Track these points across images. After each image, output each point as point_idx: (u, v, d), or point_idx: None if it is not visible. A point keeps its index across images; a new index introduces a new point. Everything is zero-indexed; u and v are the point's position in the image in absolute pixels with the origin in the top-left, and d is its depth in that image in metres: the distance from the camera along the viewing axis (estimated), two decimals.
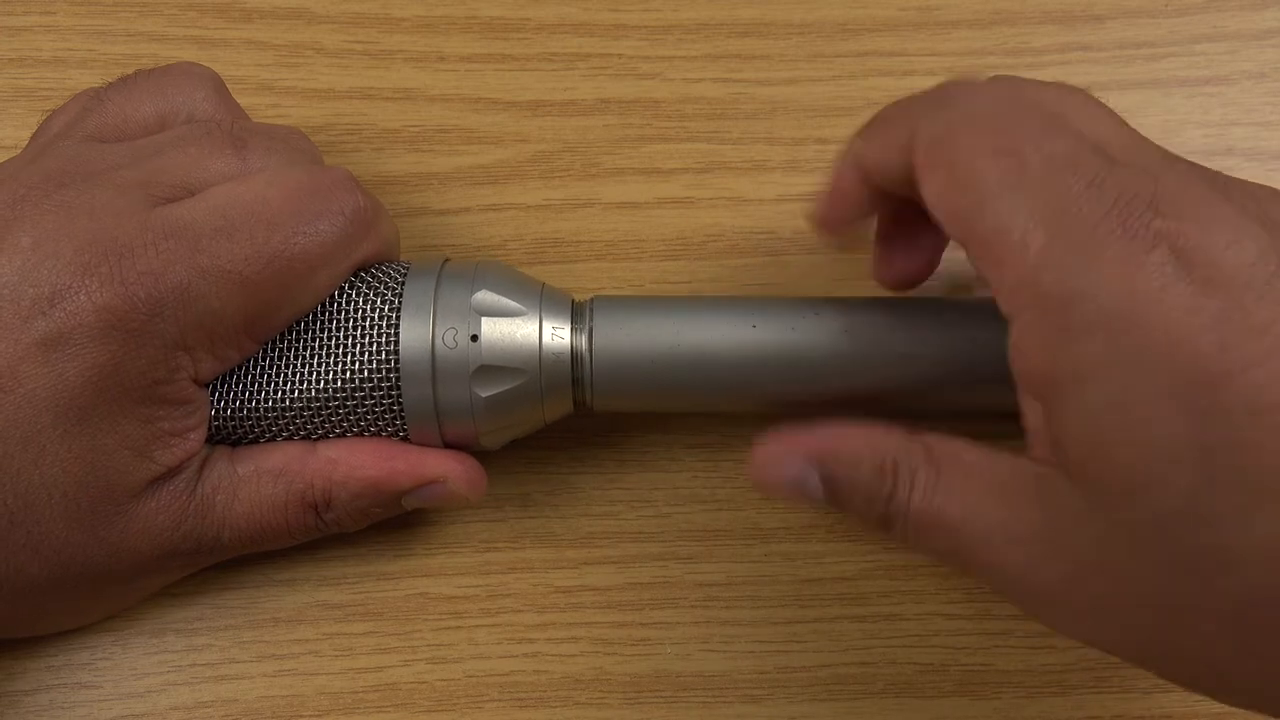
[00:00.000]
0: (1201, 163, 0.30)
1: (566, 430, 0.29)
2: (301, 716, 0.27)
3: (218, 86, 0.28)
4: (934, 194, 0.21)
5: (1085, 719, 0.27)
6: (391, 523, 0.27)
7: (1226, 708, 0.26)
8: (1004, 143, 0.20)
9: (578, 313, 0.25)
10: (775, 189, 0.32)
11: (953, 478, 0.21)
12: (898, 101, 0.24)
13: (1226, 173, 0.32)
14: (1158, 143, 0.33)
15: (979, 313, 0.25)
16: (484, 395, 0.24)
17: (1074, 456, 0.18)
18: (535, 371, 0.24)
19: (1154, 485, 0.17)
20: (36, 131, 0.27)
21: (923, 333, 0.24)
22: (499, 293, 0.25)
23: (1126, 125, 0.22)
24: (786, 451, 0.23)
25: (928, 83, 0.33)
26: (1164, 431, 0.17)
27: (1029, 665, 0.27)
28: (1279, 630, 0.17)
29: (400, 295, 0.24)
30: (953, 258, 0.27)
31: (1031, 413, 0.20)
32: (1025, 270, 0.19)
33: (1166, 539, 0.17)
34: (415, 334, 0.24)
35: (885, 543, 0.28)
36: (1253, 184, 0.20)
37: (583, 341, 0.25)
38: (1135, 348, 0.17)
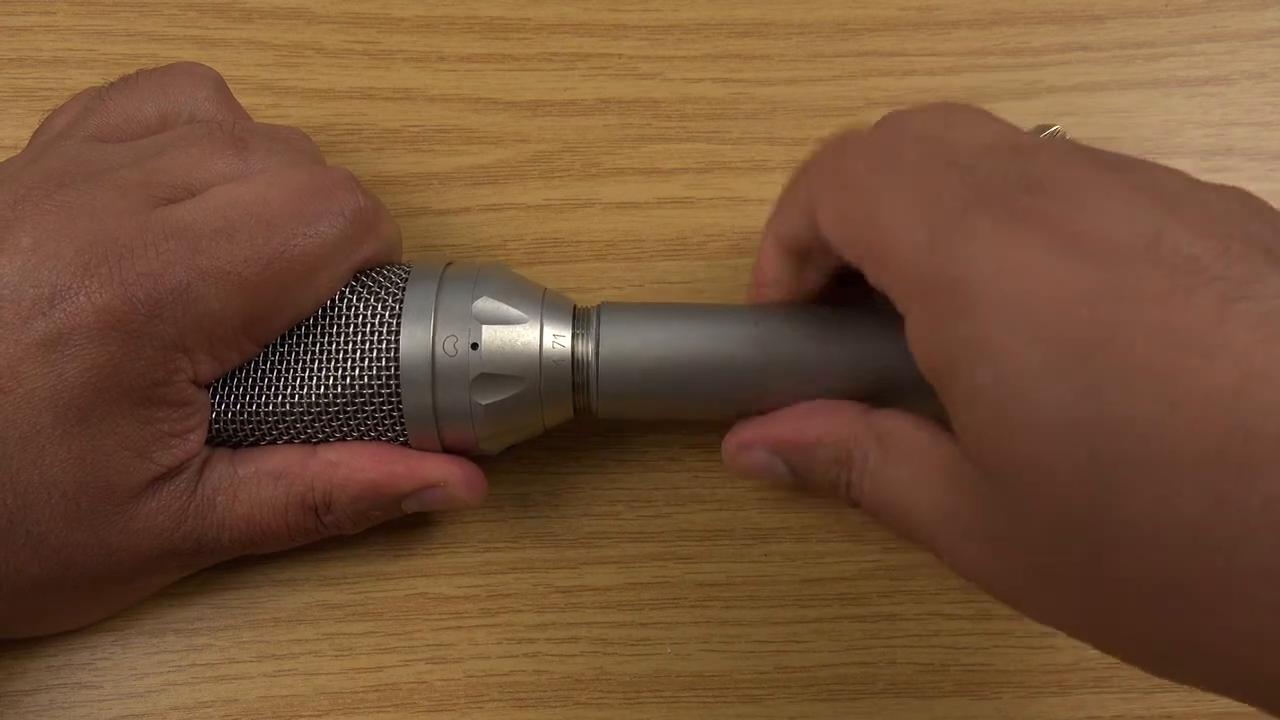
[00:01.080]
0: (1201, 163, 0.31)
1: (567, 431, 0.29)
2: (301, 716, 0.27)
3: (219, 87, 0.27)
4: (829, 220, 0.22)
5: (1085, 719, 0.27)
6: (391, 523, 0.27)
7: (1228, 707, 0.26)
8: (885, 157, 0.21)
9: (582, 319, 0.25)
10: (775, 189, 0.32)
11: (897, 461, 0.21)
12: (795, 170, 0.25)
13: (1226, 173, 0.32)
14: (1158, 143, 0.33)
15: None
16: (484, 403, 0.24)
17: (969, 441, 0.18)
18: (535, 379, 0.24)
19: (1043, 465, 0.17)
20: (37, 131, 0.27)
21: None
22: (500, 299, 0.24)
23: (1012, 126, 0.22)
24: (752, 442, 0.24)
25: (928, 83, 0.33)
26: (1047, 408, 0.17)
27: (1029, 665, 0.27)
28: (1177, 600, 0.16)
29: (401, 301, 0.24)
30: None
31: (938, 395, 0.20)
32: (908, 265, 0.19)
33: (1062, 517, 0.17)
34: (416, 341, 0.24)
35: (885, 542, 0.28)
36: (1158, 165, 0.20)
37: (589, 349, 0.25)
38: (1010, 325, 0.17)
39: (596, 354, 0.24)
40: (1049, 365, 0.17)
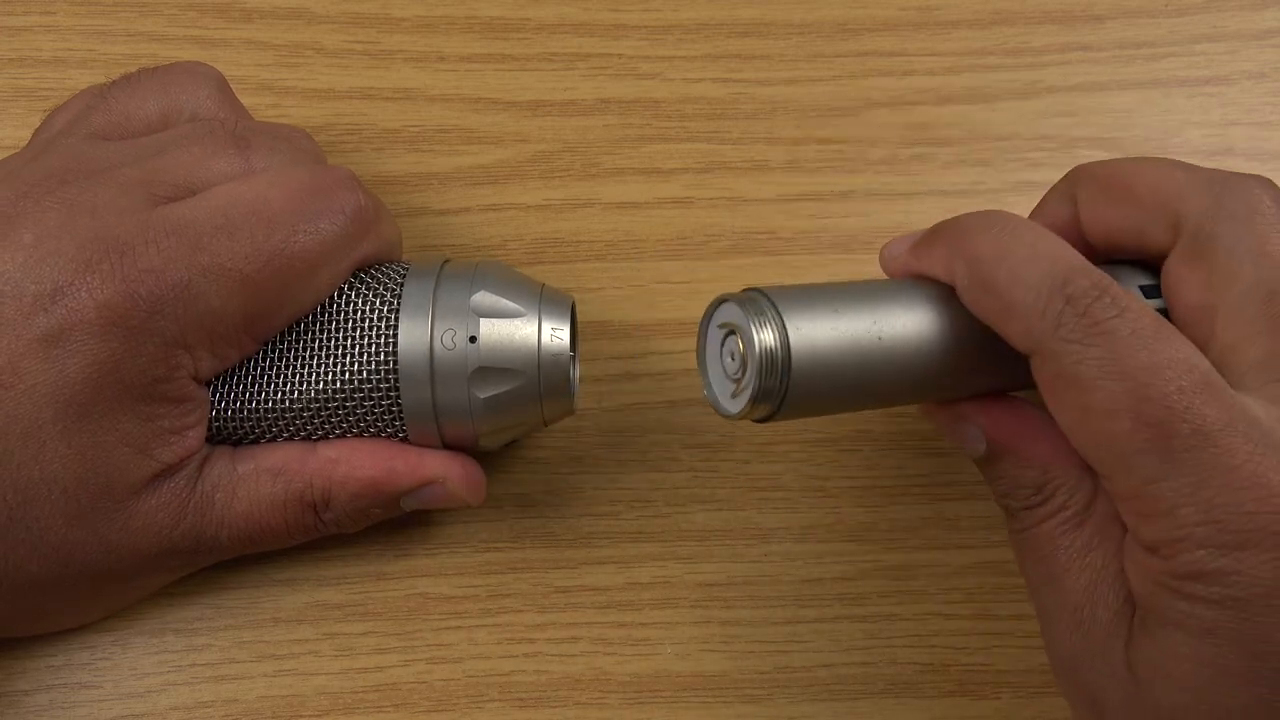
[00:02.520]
0: (1201, 163, 0.30)
1: (567, 431, 0.29)
2: (301, 716, 0.27)
3: (221, 85, 0.28)
4: (1064, 426, 0.20)
5: None
6: (391, 522, 0.27)
7: None
8: (1146, 409, 0.19)
9: (755, 308, 0.21)
10: (775, 189, 0.32)
11: (1085, 537, 0.21)
12: (1008, 261, 0.20)
13: (1226, 173, 0.32)
14: (1158, 143, 0.33)
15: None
16: (482, 396, 0.24)
17: (1138, 662, 0.19)
18: (533, 373, 0.24)
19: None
20: (39, 128, 0.27)
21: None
22: (498, 294, 0.25)
23: None
24: (975, 420, 0.23)
25: (928, 82, 0.33)
26: (1228, 703, 0.18)
27: (1029, 665, 0.27)
28: None
29: (399, 296, 0.24)
30: None
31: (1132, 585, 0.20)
32: (1167, 538, 0.18)
33: None
34: (414, 335, 0.24)
35: (885, 542, 0.28)
36: None
37: (772, 340, 0.20)
38: (1239, 631, 0.18)
39: (786, 346, 0.20)
40: (1254, 675, 0.18)
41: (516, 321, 0.24)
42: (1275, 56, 0.33)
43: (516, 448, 0.27)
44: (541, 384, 0.24)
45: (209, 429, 0.24)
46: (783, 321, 0.20)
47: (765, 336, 0.20)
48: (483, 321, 0.24)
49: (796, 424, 0.29)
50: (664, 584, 0.28)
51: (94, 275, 0.21)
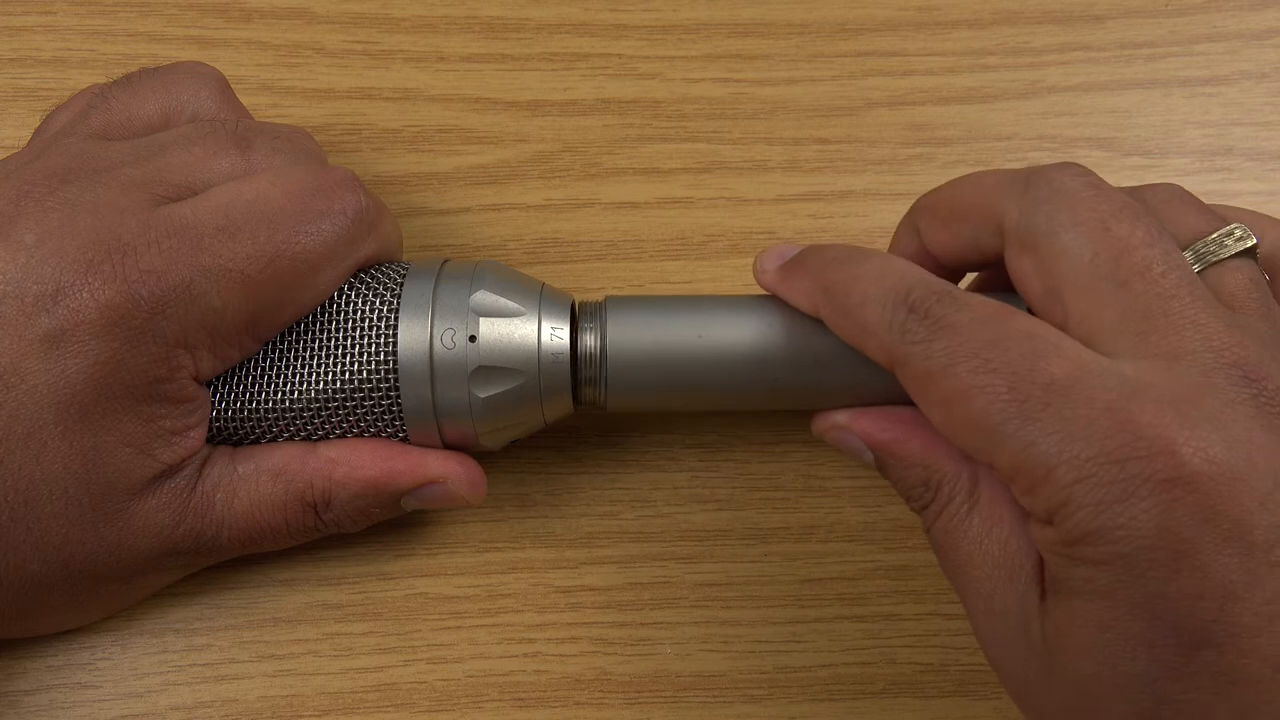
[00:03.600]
0: (1201, 163, 0.30)
1: (567, 430, 0.29)
2: (301, 716, 0.27)
3: (222, 86, 0.28)
4: (937, 422, 0.21)
5: None
6: (391, 522, 0.27)
7: None
8: (995, 383, 0.19)
9: (589, 312, 0.25)
10: (775, 189, 0.32)
11: (977, 523, 0.22)
12: (855, 284, 0.22)
13: (1226, 173, 0.32)
14: (1158, 143, 0.33)
15: None
16: (482, 396, 0.24)
17: (1049, 632, 0.19)
18: (534, 372, 0.24)
19: (1101, 703, 0.19)
20: (40, 127, 0.27)
21: None
22: (498, 293, 0.25)
23: (1124, 202, 0.21)
24: (849, 425, 0.24)
25: (928, 82, 0.33)
26: (1130, 668, 0.18)
27: None
28: None
29: (399, 296, 0.24)
30: None
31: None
32: (1054, 502, 0.19)
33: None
34: (413, 335, 0.24)
35: (885, 542, 0.28)
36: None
37: (596, 342, 0.24)
38: (1136, 592, 0.18)
39: (604, 347, 0.24)
40: (1152, 640, 0.18)
41: (516, 321, 0.24)
42: (1275, 56, 0.34)
43: (517, 447, 0.27)
44: (541, 383, 0.24)
45: (209, 429, 0.24)
46: (605, 321, 0.24)
47: (589, 335, 0.25)
48: (482, 321, 0.24)
49: (797, 424, 0.29)
50: (664, 584, 0.28)
51: (96, 276, 0.21)
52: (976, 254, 0.23)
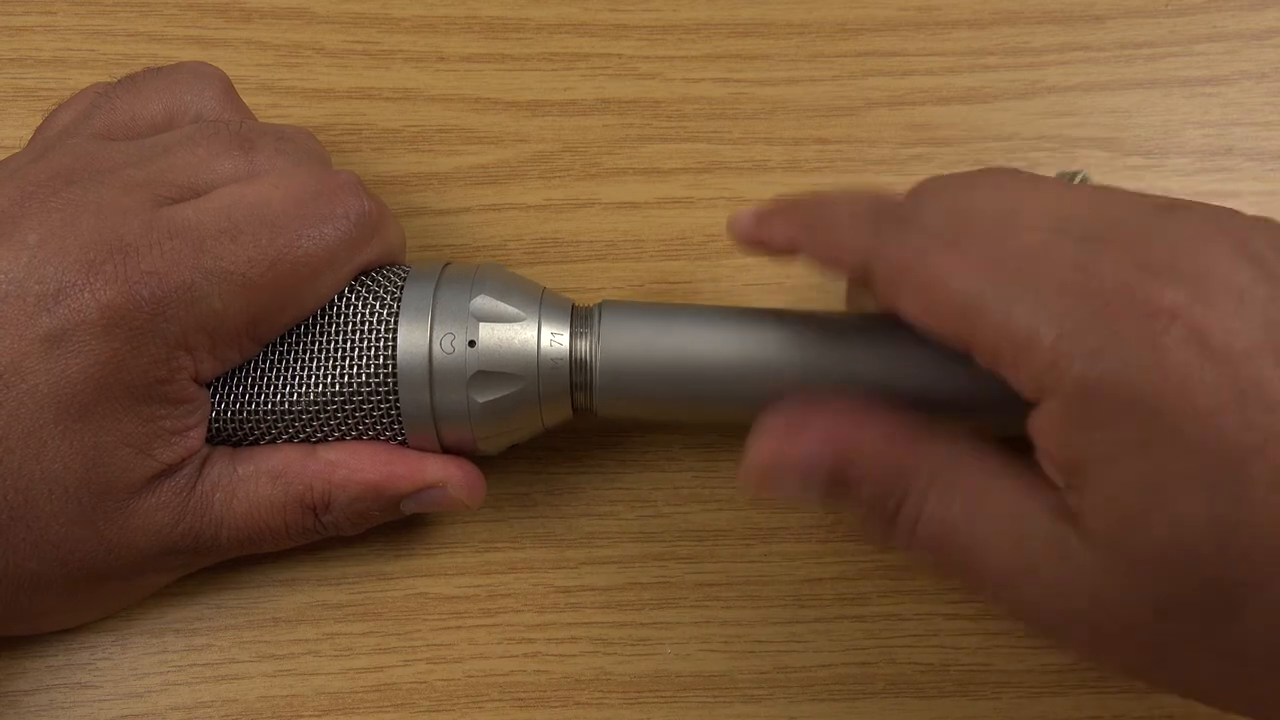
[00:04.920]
0: (1201, 163, 0.30)
1: (567, 431, 0.29)
2: (301, 716, 0.27)
3: (226, 86, 0.28)
4: (915, 315, 0.21)
5: (1085, 719, 0.27)
6: (392, 522, 0.27)
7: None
8: (970, 254, 0.20)
9: (582, 318, 0.25)
10: (775, 189, 0.32)
11: (968, 496, 0.20)
12: (829, 210, 0.23)
13: (1226, 173, 0.32)
14: (1158, 143, 0.33)
15: None
16: (481, 401, 0.24)
17: (1096, 529, 0.19)
18: (533, 377, 0.24)
19: (1175, 562, 0.18)
20: (41, 126, 0.27)
21: (932, 347, 0.23)
22: (498, 298, 0.24)
23: (1074, 191, 0.21)
24: (791, 454, 0.21)
25: (928, 82, 0.33)
26: (1188, 511, 0.17)
27: (1029, 665, 0.27)
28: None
29: (399, 299, 0.24)
30: None
31: (1049, 469, 0.20)
32: (1041, 366, 0.18)
33: (1189, 603, 0.18)
34: (413, 339, 0.24)
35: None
36: (1210, 208, 0.20)
37: (589, 347, 0.24)
38: (1161, 431, 0.17)
39: (597, 353, 0.24)
40: (1198, 473, 0.17)
41: (516, 326, 0.24)
42: (1275, 56, 0.33)
43: (517, 447, 0.27)
44: (540, 389, 0.24)
45: (209, 430, 0.24)
46: (599, 327, 0.24)
47: (581, 340, 0.25)
48: (482, 326, 0.24)
49: None
50: (664, 584, 0.28)
51: (97, 276, 0.21)
52: (856, 278, 0.23)
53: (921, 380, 0.24)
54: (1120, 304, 0.18)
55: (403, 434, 0.25)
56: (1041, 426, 0.19)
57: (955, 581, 0.23)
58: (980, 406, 0.23)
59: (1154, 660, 0.19)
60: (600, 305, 0.25)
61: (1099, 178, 0.32)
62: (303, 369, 0.24)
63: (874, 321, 0.25)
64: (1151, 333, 0.18)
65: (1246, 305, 0.18)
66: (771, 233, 0.24)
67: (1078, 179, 0.26)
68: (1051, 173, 0.26)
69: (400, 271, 0.25)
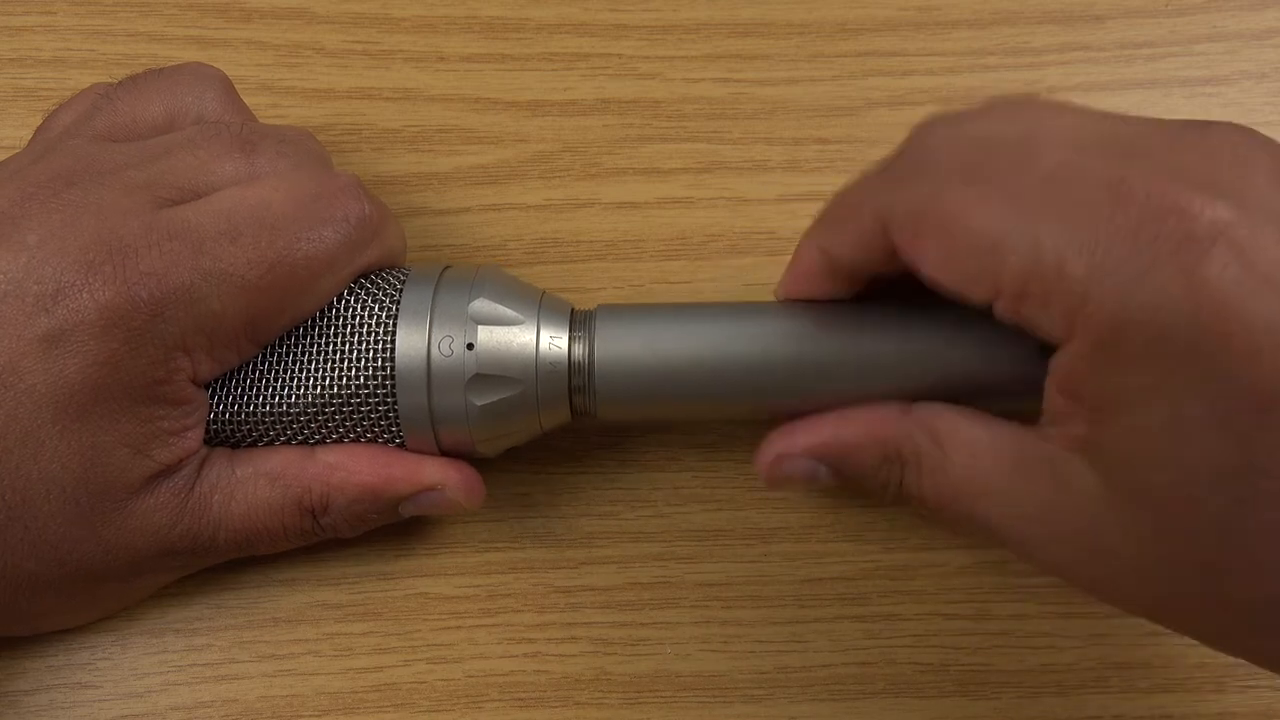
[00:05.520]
0: None
1: (567, 431, 0.29)
2: (301, 716, 0.27)
3: (227, 88, 0.28)
4: (937, 266, 0.20)
5: (1085, 719, 0.27)
6: (391, 523, 0.27)
7: (1228, 708, 0.26)
8: (988, 187, 0.19)
9: (579, 321, 0.25)
10: (775, 189, 0.32)
11: (958, 455, 0.21)
12: (849, 189, 0.23)
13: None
14: None
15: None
16: (479, 404, 0.24)
17: (1114, 464, 0.18)
18: (531, 381, 0.24)
19: (1195, 501, 0.17)
20: (41, 126, 0.27)
21: (926, 338, 0.24)
22: (497, 301, 0.24)
23: (1095, 111, 0.20)
24: (789, 451, 0.23)
25: (928, 82, 0.33)
26: (1213, 453, 0.17)
27: (1029, 665, 0.27)
28: None
29: (398, 302, 0.24)
30: None
31: (1060, 406, 0.19)
32: (1073, 301, 0.17)
33: (1202, 546, 0.17)
34: (411, 341, 0.24)
35: (885, 542, 0.28)
36: (1244, 128, 0.19)
37: (585, 351, 0.24)
38: (1192, 374, 0.17)
39: (593, 356, 0.24)
40: (1224, 417, 0.17)
41: (515, 329, 0.24)
42: (1275, 56, 0.33)
43: (516, 449, 0.27)
44: (539, 392, 0.24)
45: (207, 431, 0.24)
46: (594, 330, 0.24)
47: (578, 344, 0.25)
48: (480, 329, 0.24)
49: None
50: (664, 584, 0.28)
51: (96, 277, 0.21)
52: (878, 252, 0.22)
53: (916, 368, 0.24)
54: (1157, 224, 0.17)
55: (401, 436, 0.25)
56: (1066, 365, 0.18)
57: (977, 540, 0.22)
58: (975, 393, 0.23)
59: (1162, 600, 0.19)
60: (596, 309, 0.25)
61: None
62: (301, 371, 0.24)
63: (868, 311, 0.24)
64: (1192, 259, 0.16)
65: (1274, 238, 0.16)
66: (803, 259, 0.24)
67: None
68: None
69: (399, 274, 0.25)
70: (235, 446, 0.25)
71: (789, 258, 0.30)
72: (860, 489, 0.23)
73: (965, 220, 0.19)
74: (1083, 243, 0.17)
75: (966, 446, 0.21)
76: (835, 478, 0.23)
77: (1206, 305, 0.16)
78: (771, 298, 0.26)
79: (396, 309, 0.24)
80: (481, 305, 0.24)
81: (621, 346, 0.24)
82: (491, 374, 0.24)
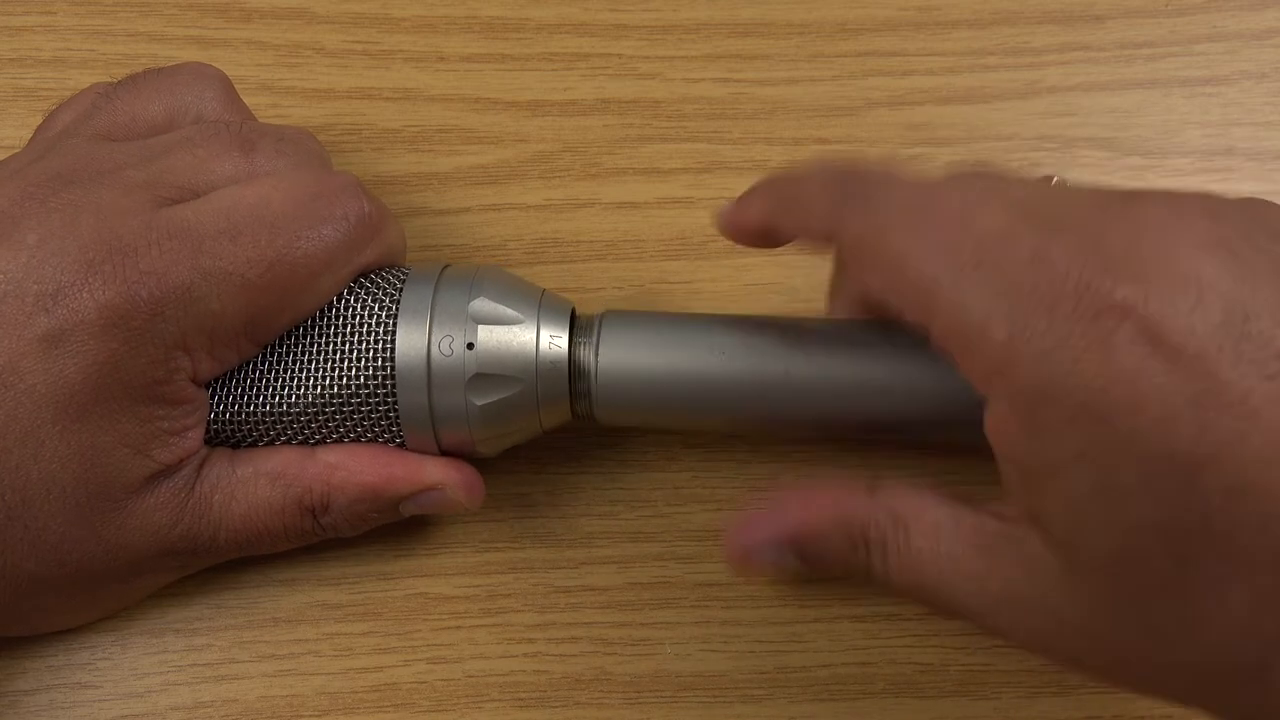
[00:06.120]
0: (1201, 163, 0.30)
1: (567, 431, 0.29)
2: (301, 716, 0.27)
3: (226, 87, 0.28)
4: (878, 290, 0.21)
5: (1085, 719, 0.27)
6: (391, 523, 0.27)
7: None
8: (931, 235, 0.19)
9: (584, 326, 0.25)
10: None
11: (922, 541, 0.21)
12: (808, 177, 0.23)
13: (1226, 173, 0.32)
14: (1158, 143, 0.33)
15: None
16: (479, 403, 0.24)
17: (1055, 533, 0.19)
18: (531, 380, 0.24)
19: (1133, 564, 0.18)
20: (41, 125, 0.27)
21: (932, 359, 0.23)
22: (497, 300, 0.24)
23: (1041, 184, 0.21)
24: (756, 541, 0.23)
25: (928, 82, 0.33)
26: (1143, 517, 0.17)
27: (1029, 665, 0.27)
28: (1248, 683, 0.18)
29: (398, 301, 0.24)
30: None
31: (1007, 477, 0.20)
32: (993, 362, 0.18)
33: (1146, 610, 0.18)
34: (411, 341, 0.24)
35: None
36: (1181, 195, 0.19)
37: (590, 356, 0.24)
38: (1111, 439, 0.17)
39: (597, 362, 0.24)
40: (1150, 480, 0.17)
41: (515, 328, 0.24)
42: (1275, 56, 0.33)
43: (516, 449, 0.27)
44: (539, 392, 0.24)
45: (208, 431, 0.24)
46: (599, 337, 0.24)
47: (581, 349, 0.25)
48: (480, 328, 0.24)
49: None
50: (664, 584, 0.28)
51: (96, 276, 0.21)
52: (818, 245, 0.23)
53: (917, 389, 0.24)
54: (1071, 302, 0.17)
55: (401, 436, 0.25)
56: (995, 427, 0.19)
57: (950, 618, 0.23)
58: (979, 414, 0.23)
59: (1117, 664, 0.19)
60: (602, 315, 0.25)
61: (1099, 178, 0.32)
62: (301, 370, 0.24)
63: (871, 329, 0.24)
64: (1101, 333, 0.17)
65: (1205, 301, 0.17)
66: (748, 213, 0.24)
67: (1054, 182, 0.26)
68: (1052, 173, 0.26)
69: (399, 273, 0.25)
70: (235, 446, 0.25)
71: (789, 258, 0.30)
72: (831, 575, 0.23)
73: (904, 262, 0.20)
74: (1005, 309, 0.18)
75: (930, 530, 0.21)
76: (804, 566, 0.23)
77: (1118, 378, 0.17)
78: (774, 301, 0.26)
79: (396, 308, 0.24)
80: (482, 304, 0.24)
81: (625, 356, 0.24)
82: (492, 373, 0.24)
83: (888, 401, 0.24)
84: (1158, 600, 0.18)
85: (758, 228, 0.24)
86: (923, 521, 0.21)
